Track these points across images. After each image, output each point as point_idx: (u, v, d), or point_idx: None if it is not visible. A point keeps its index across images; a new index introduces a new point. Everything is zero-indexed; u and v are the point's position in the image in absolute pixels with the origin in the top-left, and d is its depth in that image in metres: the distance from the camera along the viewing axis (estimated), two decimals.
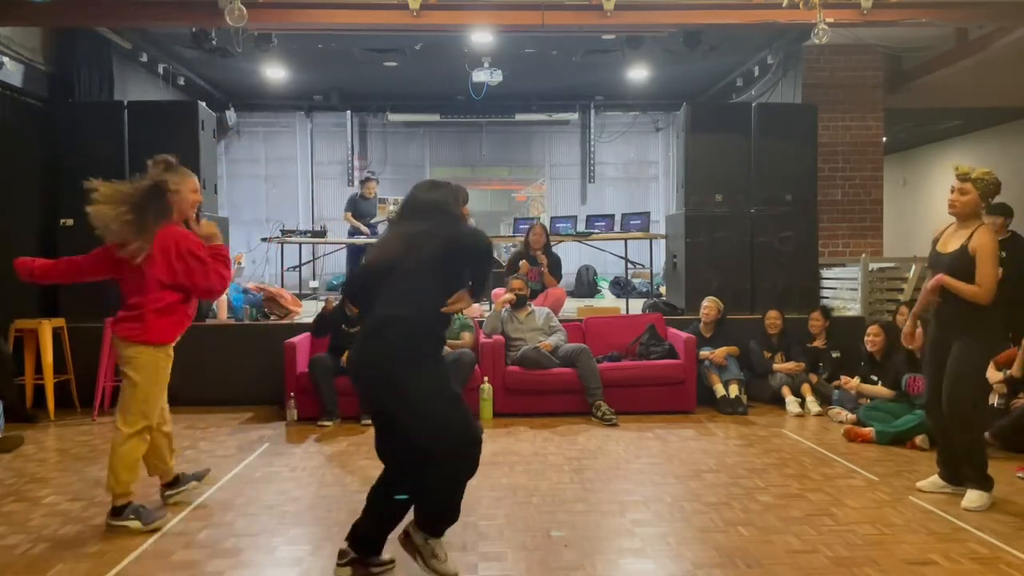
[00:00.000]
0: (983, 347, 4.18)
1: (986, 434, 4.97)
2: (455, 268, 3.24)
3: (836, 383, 6.68)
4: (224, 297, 7.27)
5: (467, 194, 3.45)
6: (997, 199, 4.60)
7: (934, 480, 4.39)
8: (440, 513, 3.23)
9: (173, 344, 4.02)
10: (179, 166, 3.98)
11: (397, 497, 3.24)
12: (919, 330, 4.44)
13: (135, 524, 3.79)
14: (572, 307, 7.99)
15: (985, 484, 4.14)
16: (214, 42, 7.98)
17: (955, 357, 4.14)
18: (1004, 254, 6.80)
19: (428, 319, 3.19)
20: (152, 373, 3.90)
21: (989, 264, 4.03)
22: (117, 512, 3.82)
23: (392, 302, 3.16)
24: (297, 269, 10.45)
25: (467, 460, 3.20)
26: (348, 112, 12.66)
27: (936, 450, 4.52)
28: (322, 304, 6.96)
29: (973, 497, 4.12)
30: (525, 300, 6.89)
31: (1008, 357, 5.47)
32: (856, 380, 6.15)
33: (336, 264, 11.59)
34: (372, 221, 9.96)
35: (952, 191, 4.18)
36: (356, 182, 12.86)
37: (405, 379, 3.09)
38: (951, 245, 4.19)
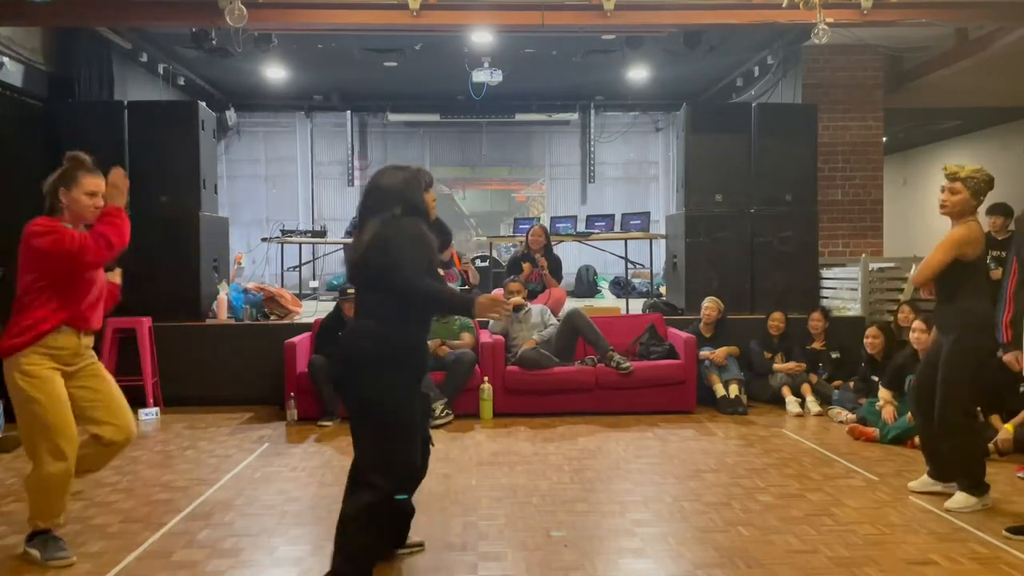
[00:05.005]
0: (973, 346, 4.12)
1: (990, 444, 4.97)
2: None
3: (836, 383, 6.69)
4: (224, 297, 7.27)
5: (430, 177, 3.32)
6: (997, 199, 4.57)
7: (924, 480, 4.38)
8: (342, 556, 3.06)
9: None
10: (82, 166, 3.56)
11: (397, 497, 3.22)
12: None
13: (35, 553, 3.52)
14: (572, 307, 7.97)
15: (977, 490, 4.09)
16: (214, 42, 7.97)
17: (945, 360, 4.11)
18: (1004, 254, 6.82)
19: (391, 328, 3.09)
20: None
21: (938, 251, 4.03)
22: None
23: (362, 312, 3.21)
24: (297, 269, 10.45)
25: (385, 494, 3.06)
26: (348, 112, 12.66)
27: (922, 447, 4.49)
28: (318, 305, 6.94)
29: (959, 499, 4.09)
30: (522, 308, 6.87)
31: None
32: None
33: (336, 264, 11.60)
34: None
35: (942, 191, 4.14)
36: (357, 183, 12.87)
37: (366, 386, 3.06)
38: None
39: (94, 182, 3.54)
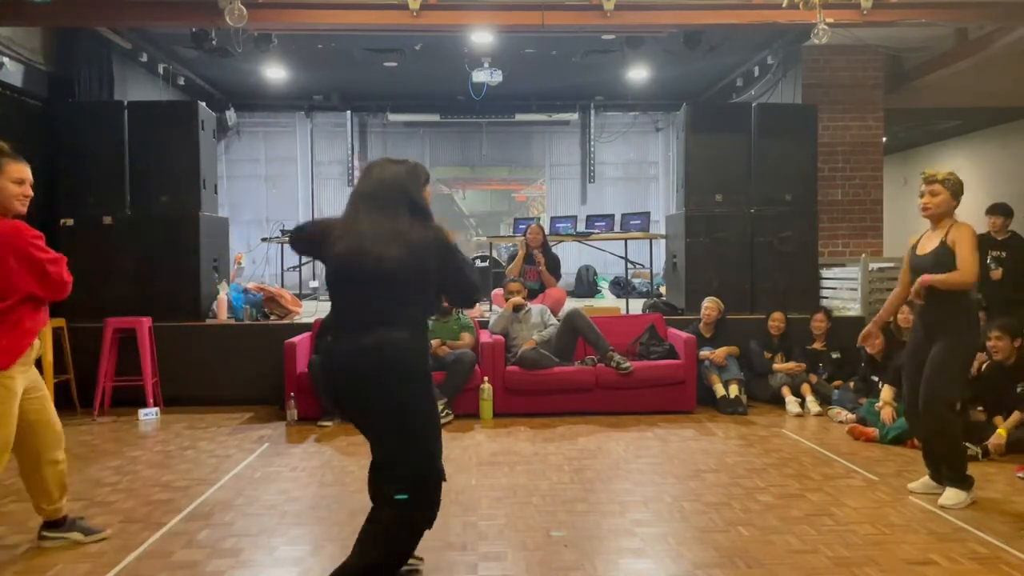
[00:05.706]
0: (963, 347, 4.20)
1: (985, 444, 4.99)
2: (440, 275, 2.99)
3: (836, 383, 6.69)
4: (224, 297, 7.27)
5: (428, 174, 3.12)
6: (997, 199, 4.59)
7: (925, 481, 4.39)
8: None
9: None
10: (4, 153, 3.37)
11: (397, 497, 3.11)
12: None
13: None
14: (572, 307, 7.97)
15: (963, 484, 4.15)
16: (214, 42, 7.97)
17: (934, 357, 4.15)
18: (1004, 254, 6.84)
19: (422, 336, 3.01)
20: None
21: (968, 249, 4.09)
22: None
23: (387, 315, 2.88)
24: (297, 269, 10.45)
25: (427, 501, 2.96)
26: (348, 112, 12.65)
27: (922, 451, 4.51)
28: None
29: (950, 495, 4.13)
30: (523, 308, 6.85)
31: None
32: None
33: None
34: None
35: (922, 195, 4.28)
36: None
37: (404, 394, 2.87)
38: (929, 247, 4.25)
39: (19, 169, 3.36)
